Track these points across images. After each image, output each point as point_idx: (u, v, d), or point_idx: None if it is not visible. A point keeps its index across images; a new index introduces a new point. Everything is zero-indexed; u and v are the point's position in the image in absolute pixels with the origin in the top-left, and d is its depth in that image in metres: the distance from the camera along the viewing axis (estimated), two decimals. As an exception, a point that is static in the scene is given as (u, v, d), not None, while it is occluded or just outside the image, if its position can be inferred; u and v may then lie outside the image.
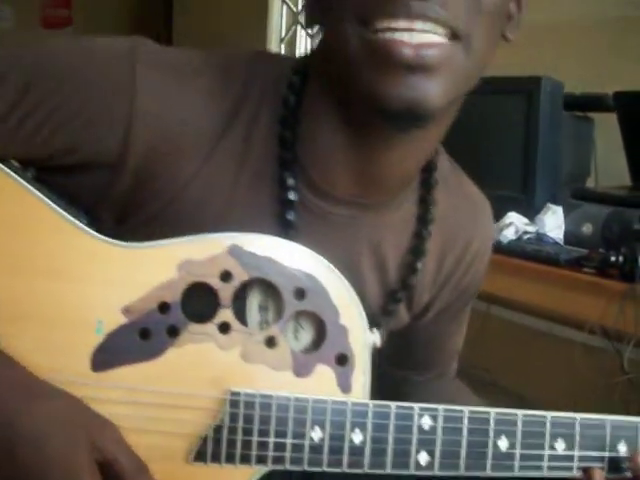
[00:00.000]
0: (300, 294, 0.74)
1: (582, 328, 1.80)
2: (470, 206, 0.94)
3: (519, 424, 0.76)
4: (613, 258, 1.61)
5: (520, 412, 0.77)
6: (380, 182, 0.80)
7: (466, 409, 0.76)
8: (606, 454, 0.79)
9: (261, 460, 0.72)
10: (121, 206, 0.77)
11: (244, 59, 0.80)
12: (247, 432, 0.72)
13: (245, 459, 0.72)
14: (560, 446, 0.77)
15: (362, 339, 0.75)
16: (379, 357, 0.89)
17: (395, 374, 1.06)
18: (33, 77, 0.73)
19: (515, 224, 1.91)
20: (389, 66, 0.67)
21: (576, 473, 0.78)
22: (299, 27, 3.93)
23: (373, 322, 0.83)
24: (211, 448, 0.72)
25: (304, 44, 3.94)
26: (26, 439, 0.66)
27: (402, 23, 0.66)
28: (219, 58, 0.79)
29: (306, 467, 0.73)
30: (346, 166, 0.78)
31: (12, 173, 0.73)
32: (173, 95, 0.74)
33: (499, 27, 0.74)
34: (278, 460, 0.72)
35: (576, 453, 0.78)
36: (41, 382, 0.70)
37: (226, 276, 0.73)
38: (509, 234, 1.88)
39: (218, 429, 0.72)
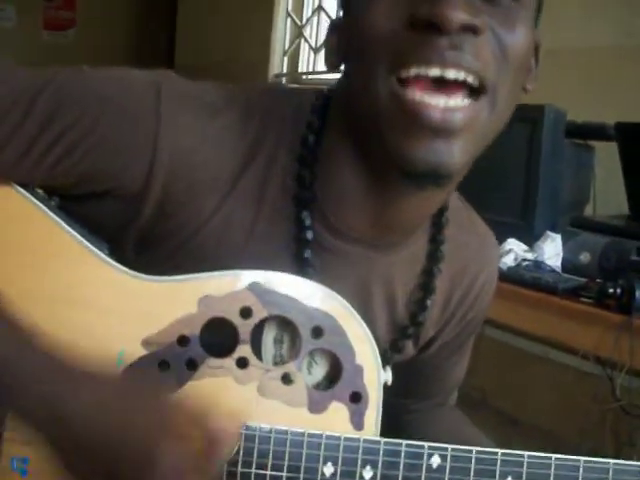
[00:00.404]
0: (318, 333, 0.76)
1: (576, 353, 1.83)
2: (478, 242, 0.96)
3: (525, 465, 0.78)
4: (611, 289, 1.63)
5: (526, 454, 0.79)
6: (395, 226, 0.82)
7: (474, 449, 0.77)
8: None
9: (274, 494, 0.74)
10: (142, 237, 0.78)
11: (263, 96, 0.82)
12: (261, 466, 0.74)
13: (259, 493, 0.74)
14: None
15: (376, 378, 0.77)
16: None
17: (395, 402, 1.08)
18: (59, 106, 0.73)
19: (514, 251, 1.93)
20: (416, 129, 0.69)
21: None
22: (302, 40, 3.95)
23: (384, 359, 0.85)
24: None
25: (307, 58, 3.97)
26: (86, 418, 0.65)
27: (435, 70, 0.68)
28: (239, 95, 0.81)
29: (318, 502, 0.75)
30: (362, 209, 0.80)
31: (38, 202, 0.75)
32: (196, 131, 0.76)
33: (522, 81, 0.76)
34: (290, 495, 0.74)
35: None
36: (86, 366, 0.69)
37: (246, 313, 0.74)
38: (508, 261, 1.91)
39: (233, 463, 0.73)
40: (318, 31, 3.86)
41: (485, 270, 0.96)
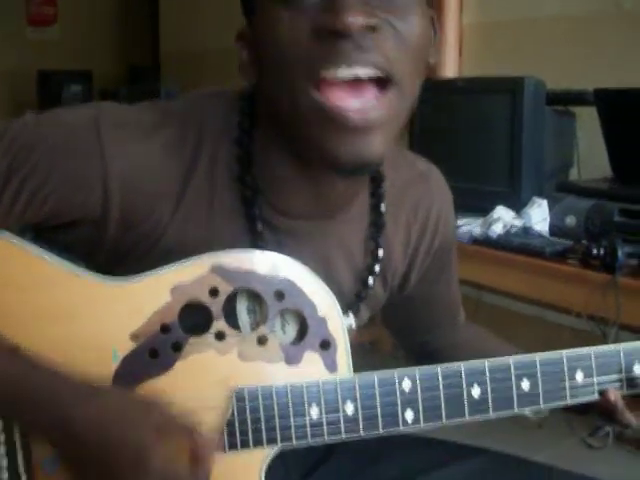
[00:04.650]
0: (280, 296, 0.85)
1: (569, 313, 1.91)
2: (421, 177, 1.05)
3: (487, 373, 0.88)
4: (595, 251, 1.72)
5: (486, 361, 0.88)
6: (333, 201, 0.92)
7: (439, 367, 0.87)
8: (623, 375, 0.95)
9: (271, 441, 0.84)
10: (113, 251, 0.88)
11: (195, 104, 0.91)
12: (255, 421, 0.84)
13: (258, 443, 0.84)
14: (526, 384, 0.89)
15: (340, 325, 0.87)
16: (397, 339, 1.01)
17: (418, 343, 1.18)
18: (13, 161, 0.83)
19: (503, 218, 2.02)
20: (337, 130, 0.78)
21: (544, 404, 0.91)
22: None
23: (350, 307, 0.95)
24: (227, 439, 0.84)
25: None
26: (91, 430, 0.76)
27: (344, 71, 0.77)
28: (174, 108, 0.90)
29: (310, 441, 0.85)
30: (301, 193, 0.89)
31: (14, 239, 0.84)
32: (139, 150, 0.85)
33: (424, 58, 0.84)
34: (285, 439, 0.85)
35: (541, 389, 0.90)
36: (87, 383, 0.80)
37: (214, 292, 0.84)
38: (497, 229, 2.00)
39: (230, 423, 0.84)
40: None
41: (436, 202, 1.05)
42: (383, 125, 0.79)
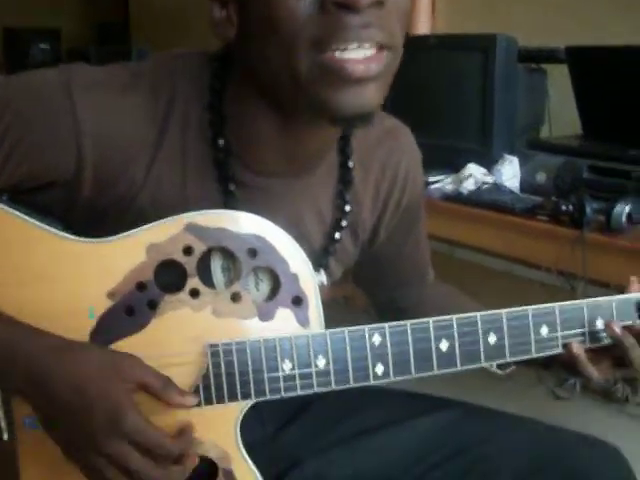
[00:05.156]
0: (253, 253, 0.87)
1: (539, 268, 1.94)
2: (389, 135, 1.07)
3: (455, 327, 0.91)
4: (564, 207, 1.74)
5: (454, 317, 0.91)
6: (307, 157, 0.94)
7: (409, 322, 0.90)
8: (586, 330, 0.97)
9: (246, 395, 0.87)
10: (88, 213, 0.89)
11: (168, 66, 0.91)
12: (230, 375, 0.86)
13: (232, 397, 0.87)
14: (492, 338, 0.92)
15: (311, 281, 0.89)
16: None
17: (387, 300, 1.22)
18: None
19: (474, 175, 2.04)
20: (342, 81, 0.80)
21: (510, 357, 0.94)
22: None
23: (320, 264, 0.97)
24: (203, 394, 0.86)
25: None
26: (66, 388, 0.78)
27: (353, 46, 0.79)
28: (145, 69, 0.91)
29: (283, 394, 0.88)
30: (275, 149, 0.91)
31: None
32: (111, 111, 0.86)
33: (409, 20, 0.87)
34: (259, 393, 0.87)
35: (507, 342, 0.93)
36: (67, 340, 0.82)
37: (188, 250, 0.86)
38: (469, 185, 2.02)
39: (206, 377, 0.86)
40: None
41: (404, 158, 1.07)
42: (380, 77, 0.82)
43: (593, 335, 0.98)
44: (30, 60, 4.87)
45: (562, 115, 2.27)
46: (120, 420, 0.77)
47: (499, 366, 1.01)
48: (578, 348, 0.96)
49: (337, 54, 0.78)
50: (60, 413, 0.80)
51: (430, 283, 1.24)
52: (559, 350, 0.97)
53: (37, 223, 0.85)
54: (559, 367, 1.02)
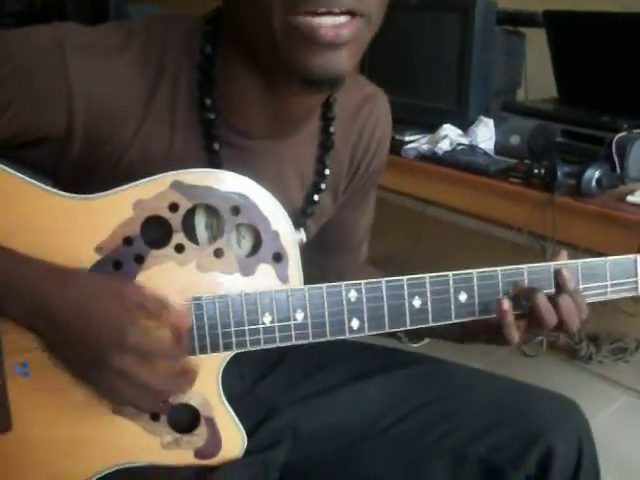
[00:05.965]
0: (236, 211, 0.90)
1: (511, 228, 1.99)
2: (368, 99, 1.11)
3: (427, 285, 0.95)
4: (536, 170, 1.79)
5: (427, 275, 0.95)
6: (291, 119, 0.97)
7: (384, 280, 0.94)
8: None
9: (227, 347, 0.91)
10: (77, 170, 0.92)
11: (158, 25, 0.94)
12: (212, 327, 0.91)
13: (215, 348, 0.91)
14: (463, 297, 0.97)
15: (291, 239, 0.93)
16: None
17: (321, 266, 1.22)
18: None
19: (450, 136, 2.06)
20: (312, 45, 0.82)
21: (479, 315, 0.98)
22: None
23: (300, 223, 1.01)
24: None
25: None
26: (69, 310, 0.82)
27: (323, 9, 0.81)
28: (137, 29, 0.93)
29: (263, 345, 0.92)
30: (258, 111, 0.94)
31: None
32: (103, 73, 0.89)
33: None
34: (241, 344, 0.91)
35: (477, 301, 0.98)
36: (68, 267, 0.86)
37: (174, 207, 0.89)
38: (444, 146, 2.05)
39: (189, 329, 0.90)
40: None
41: (379, 124, 1.11)
42: (351, 43, 0.84)
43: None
44: (2, 10, 4.77)
45: (539, 79, 2.30)
46: (123, 335, 0.82)
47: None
48: (508, 305, 0.96)
49: (308, 18, 0.81)
50: (65, 336, 0.84)
51: (362, 261, 1.28)
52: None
53: (27, 179, 0.88)
54: (480, 334, 1.04)
